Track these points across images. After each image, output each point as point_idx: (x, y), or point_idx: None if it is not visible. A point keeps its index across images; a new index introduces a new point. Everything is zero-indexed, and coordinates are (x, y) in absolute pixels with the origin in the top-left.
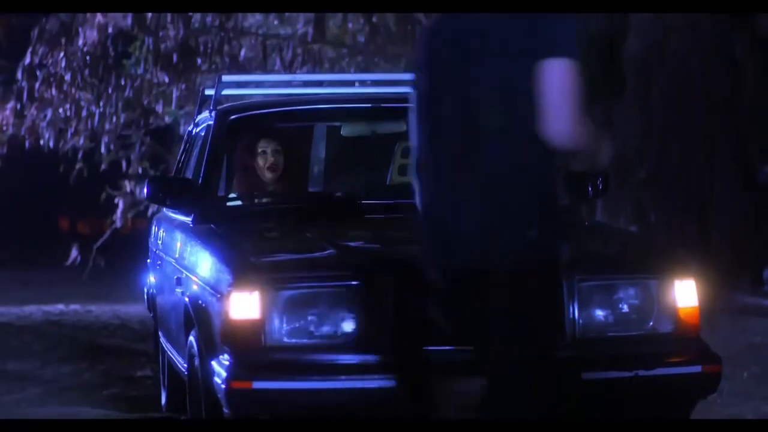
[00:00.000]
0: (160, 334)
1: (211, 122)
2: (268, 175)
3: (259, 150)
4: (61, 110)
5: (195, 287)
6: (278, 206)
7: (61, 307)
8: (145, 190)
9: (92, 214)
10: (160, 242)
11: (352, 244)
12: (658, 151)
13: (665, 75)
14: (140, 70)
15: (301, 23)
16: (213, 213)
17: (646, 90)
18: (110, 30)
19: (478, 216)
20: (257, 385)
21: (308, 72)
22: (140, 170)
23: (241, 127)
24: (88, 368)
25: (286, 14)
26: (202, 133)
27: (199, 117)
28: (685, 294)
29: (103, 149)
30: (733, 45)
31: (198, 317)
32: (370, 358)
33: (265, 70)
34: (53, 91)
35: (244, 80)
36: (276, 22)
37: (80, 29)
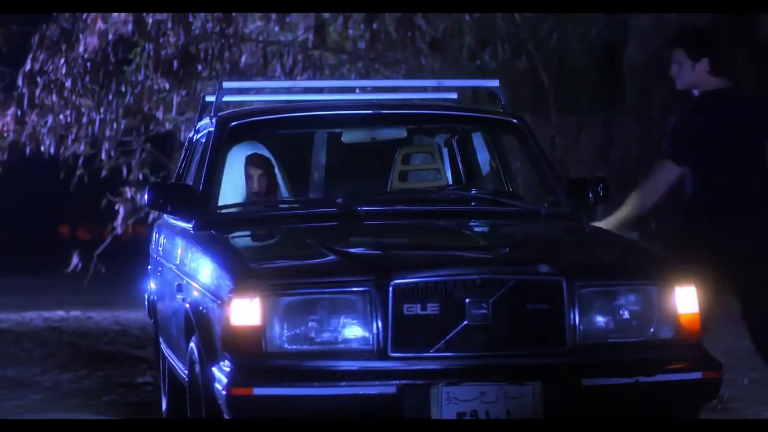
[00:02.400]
0: (160, 340)
1: (212, 129)
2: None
3: (248, 173)
4: (61, 117)
5: (196, 293)
6: (278, 213)
7: (61, 313)
8: (146, 197)
9: (93, 221)
10: (160, 249)
11: (352, 250)
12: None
13: (665, 82)
14: (141, 77)
15: (302, 30)
16: (213, 220)
17: (646, 97)
18: (111, 36)
19: None
20: (258, 391)
21: (309, 78)
22: (141, 177)
23: (241, 133)
24: (89, 375)
25: (287, 20)
26: (203, 140)
27: (200, 123)
28: (685, 300)
29: (103, 156)
30: (733, 51)
31: (199, 323)
32: (370, 364)
33: (266, 77)
34: (54, 97)
35: (245, 87)
36: (276, 29)
37: (81, 36)
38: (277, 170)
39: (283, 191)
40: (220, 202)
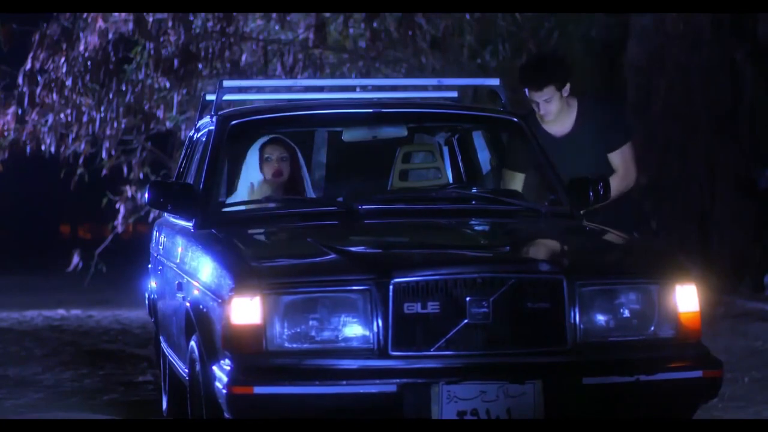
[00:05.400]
0: (161, 339)
1: (212, 127)
2: (274, 180)
3: (264, 156)
4: (62, 115)
5: (196, 292)
6: (279, 211)
7: (62, 312)
8: (146, 196)
9: (93, 220)
10: (161, 247)
11: (352, 249)
12: (659, 156)
13: (666, 81)
14: (141, 76)
15: (302, 28)
16: (214, 218)
17: (646, 96)
18: (111, 35)
19: None
20: (258, 390)
21: (309, 77)
22: (141, 175)
23: (241, 132)
24: (89, 373)
25: (287, 19)
26: (203, 139)
27: (200, 122)
28: (686, 299)
29: (104, 154)
30: (734, 51)
31: (199, 322)
32: (370, 363)
33: (266, 76)
34: (54, 96)
35: (246, 85)
36: (277, 28)
37: (81, 34)
38: (300, 157)
39: (307, 181)
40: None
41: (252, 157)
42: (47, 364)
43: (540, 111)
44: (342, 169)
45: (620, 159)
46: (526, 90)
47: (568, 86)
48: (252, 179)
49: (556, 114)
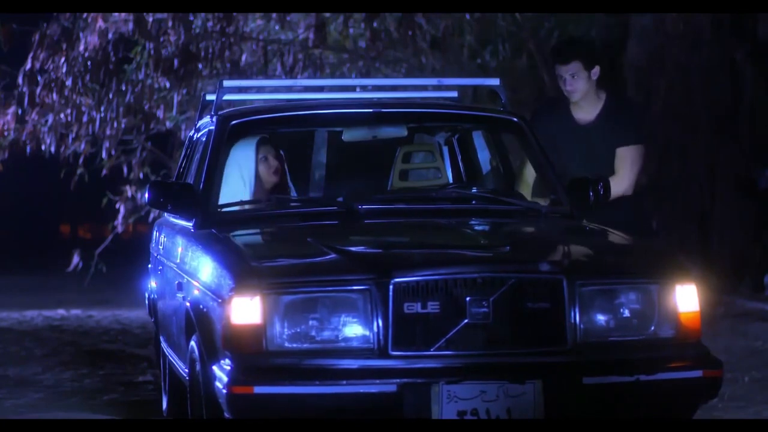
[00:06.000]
0: (161, 339)
1: (212, 127)
2: (272, 179)
3: (260, 156)
4: (62, 115)
5: (196, 292)
6: (279, 211)
7: (62, 312)
8: (147, 196)
9: (93, 220)
10: (161, 247)
11: (352, 249)
12: (659, 156)
13: (666, 81)
14: (141, 76)
15: (302, 28)
16: (214, 218)
17: (646, 96)
18: (111, 35)
19: None
20: (258, 390)
21: (309, 77)
22: (141, 175)
23: (241, 132)
24: (89, 373)
25: (287, 19)
26: (203, 139)
27: (201, 122)
28: (686, 299)
29: (104, 154)
30: (734, 50)
31: (199, 322)
32: (371, 363)
33: (266, 76)
34: (54, 96)
35: (246, 85)
36: (277, 28)
37: (81, 34)
38: (281, 154)
39: (289, 182)
40: (231, 200)
41: (246, 158)
42: (47, 364)
43: (566, 87)
44: (342, 169)
45: (622, 160)
46: (556, 67)
47: (597, 69)
48: (243, 177)
49: (583, 94)
